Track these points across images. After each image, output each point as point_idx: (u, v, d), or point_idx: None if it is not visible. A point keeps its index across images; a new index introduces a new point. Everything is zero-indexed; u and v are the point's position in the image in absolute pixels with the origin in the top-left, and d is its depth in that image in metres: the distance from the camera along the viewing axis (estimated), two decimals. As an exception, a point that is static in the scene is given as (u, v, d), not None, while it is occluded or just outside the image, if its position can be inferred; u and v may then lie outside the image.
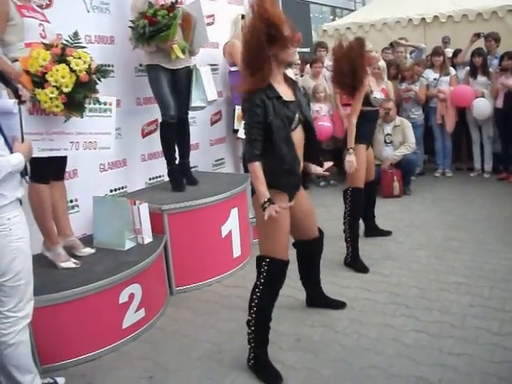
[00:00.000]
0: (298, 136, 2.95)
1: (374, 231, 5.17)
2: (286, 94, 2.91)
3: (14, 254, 2.45)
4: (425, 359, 3.02)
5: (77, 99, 3.16)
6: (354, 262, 4.45)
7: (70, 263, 3.54)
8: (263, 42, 2.69)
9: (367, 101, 4.39)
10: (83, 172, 4.24)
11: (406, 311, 3.62)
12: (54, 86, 3.04)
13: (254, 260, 4.70)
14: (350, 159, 4.23)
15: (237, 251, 4.57)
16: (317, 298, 3.76)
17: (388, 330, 3.38)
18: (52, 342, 3.17)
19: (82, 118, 3.31)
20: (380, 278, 4.19)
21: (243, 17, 5.53)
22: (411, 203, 6.29)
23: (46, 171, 3.43)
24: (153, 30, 4.10)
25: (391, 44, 8.51)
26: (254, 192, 2.95)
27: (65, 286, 3.22)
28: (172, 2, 4.25)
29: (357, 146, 4.32)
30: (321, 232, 3.50)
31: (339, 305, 3.75)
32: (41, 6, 3.78)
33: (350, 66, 4.08)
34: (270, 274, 2.97)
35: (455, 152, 7.85)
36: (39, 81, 3.05)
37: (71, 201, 4.10)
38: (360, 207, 4.55)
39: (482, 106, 7.02)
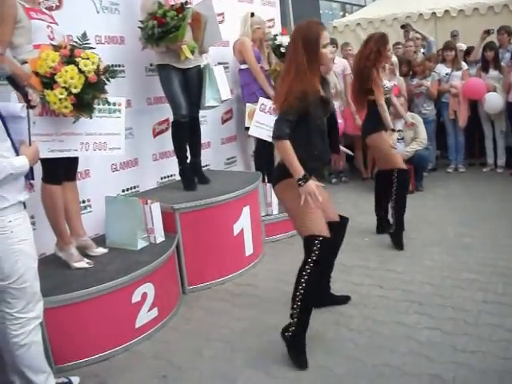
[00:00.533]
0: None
1: (386, 228, 5.15)
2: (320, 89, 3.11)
3: (16, 256, 2.46)
4: (438, 357, 3.01)
5: (86, 100, 3.18)
6: (395, 236, 4.75)
7: (83, 263, 3.56)
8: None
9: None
10: (95, 172, 4.26)
11: (419, 308, 3.60)
12: (63, 87, 3.06)
13: (266, 258, 4.77)
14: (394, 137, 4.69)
15: (249, 250, 4.57)
16: (325, 297, 3.75)
17: (401, 327, 3.37)
18: (65, 342, 3.18)
19: (90, 118, 3.32)
20: (393, 275, 4.18)
21: (252, 15, 5.53)
22: (424, 199, 6.26)
23: (58, 172, 3.44)
24: (161, 31, 4.11)
25: (403, 26, 8.47)
26: (278, 180, 3.12)
27: (78, 285, 3.24)
28: (182, 3, 4.25)
29: (379, 134, 4.70)
30: (345, 218, 3.56)
31: (344, 300, 3.79)
32: (50, 8, 3.81)
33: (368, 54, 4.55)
34: (321, 251, 3.04)
35: (468, 147, 7.79)
36: (48, 82, 3.07)
37: (83, 201, 4.12)
38: (407, 185, 4.99)
39: (494, 100, 6.96)
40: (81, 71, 3.10)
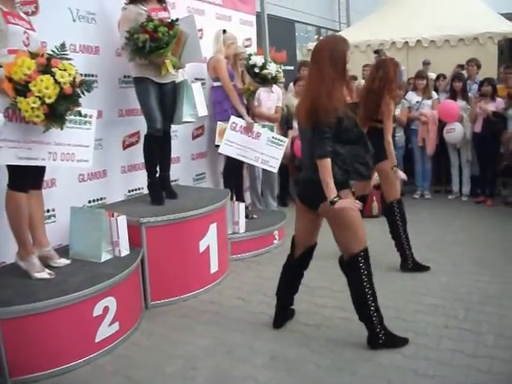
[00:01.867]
0: None
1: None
2: None
3: None
4: (399, 380, 3.02)
5: (58, 111, 3.15)
6: (417, 266, 4.76)
7: (45, 274, 3.48)
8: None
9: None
10: (61, 182, 4.19)
11: (382, 332, 3.62)
12: (36, 96, 3.02)
13: (231, 276, 4.75)
14: (401, 175, 4.73)
15: (214, 267, 4.54)
16: (288, 316, 3.81)
17: (363, 350, 3.37)
18: (24, 354, 3.10)
19: (61, 129, 3.28)
20: (357, 298, 4.18)
21: (224, 31, 5.56)
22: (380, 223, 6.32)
23: (26, 180, 3.38)
24: (154, 46, 4.11)
25: (376, 51, 8.62)
26: (320, 200, 3.18)
27: (38, 297, 3.16)
28: (172, 20, 4.28)
29: (385, 163, 4.65)
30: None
31: (291, 312, 3.86)
32: (26, 13, 3.75)
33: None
34: (367, 261, 3.29)
35: (434, 174, 7.94)
36: (21, 89, 3.03)
37: (48, 210, 4.03)
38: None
39: (445, 136, 7.26)
40: (56, 82, 3.07)
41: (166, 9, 4.48)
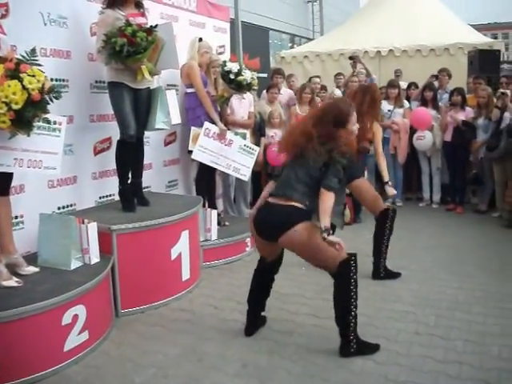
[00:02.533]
0: None
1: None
2: None
3: None
4: (370, 387, 3.03)
5: (25, 117, 3.10)
6: (389, 275, 4.81)
7: (12, 282, 3.41)
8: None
9: None
10: (30, 188, 4.11)
11: (354, 338, 3.63)
12: (3, 102, 2.97)
13: (202, 283, 4.72)
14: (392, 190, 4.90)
15: (186, 274, 4.51)
16: (260, 323, 3.81)
17: (335, 357, 3.38)
18: (-11, 364, 3.03)
19: (28, 136, 3.22)
20: (328, 305, 4.14)
21: (201, 39, 5.55)
22: (362, 231, 6.36)
23: None
24: (132, 50, 4.08)
25: (351, 57, 8.69)
26: (298, 221, 3.27)
27: (5, 305, 3.09)
28: (151, 26, 4.27)
29: (362, 180, 4.87)
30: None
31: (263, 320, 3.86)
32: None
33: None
34: (356, 266, 3.34)
35: (405, 182, 8.03)
36: None
37: (16, 217, 3.95)
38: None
39: (415, 142, 7.41)
40: (24, 88, 3.02)
41: (143, 14, 4.45)
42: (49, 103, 3.26)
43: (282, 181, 3.48)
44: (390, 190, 4.82)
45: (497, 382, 3.07)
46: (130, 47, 4.06)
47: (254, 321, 3.74)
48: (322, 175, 3.31)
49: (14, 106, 2.99)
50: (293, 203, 3.31)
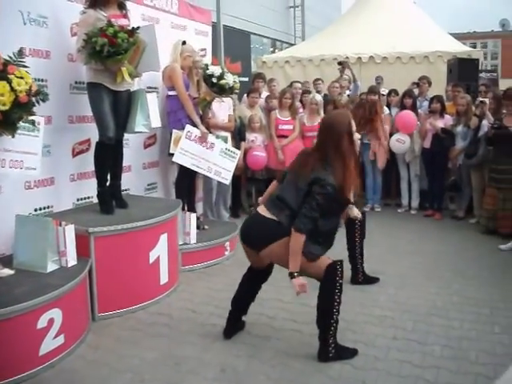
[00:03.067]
0: None
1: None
2: None
3: None
4: (348, 392, 3.03)
5: (12, 119, 3.09)
6: (367, 280, 4.82)
7: (-14, 284, 3.36)
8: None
9: None
10: (6, 188, 4.04)
11: (332, 343, 3.63)
12: None
13: (181, 287, 4.69)
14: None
15: (164, 278, 4.47)
16: (239, 326, 3.81)
17: (313, 362, 3.37)
18: (-40, 369, 2.97)
19: (13, 137, 3.21)
20: (306, 310, 4.18)
21: (184, 43, 5.53)
22: (339, 236, 6.33)
23: None
24: (112, 51, 4.04)
25: (340, 62, 8.74)
26: (279, 236, 3.25)
27: (-21, 308, 3.04)
28: (133, 28, 4.23)
29: None
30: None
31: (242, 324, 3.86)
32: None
33: None
34: (342, 272, 3.34)
35: (384, 188, 8.08)
36: None
37: (-10, 218, 3.90)
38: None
39: (394, 144, 7.44)
40: (12, 89, 3.00)
41: (126, 16, 4.41)
42: (35, 105, 3.26)
43: (275, 195, 3.42)
44: (355, 211, 4.75)
45: (473, 386, 3.10)
46: (110, 47, 4.02)
47: (235, 324, 3.73)
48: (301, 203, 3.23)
49: (2, 108, 3.01)
50: (276, 218, 3.28)
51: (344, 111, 3.75)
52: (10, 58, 3.21)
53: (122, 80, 4.31)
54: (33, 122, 3.38)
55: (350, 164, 3.26)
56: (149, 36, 4.43)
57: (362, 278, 4.80)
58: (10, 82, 3.03)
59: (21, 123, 3.30)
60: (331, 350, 3.34)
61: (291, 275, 3.16)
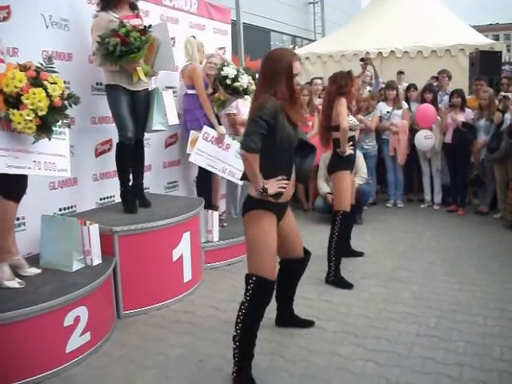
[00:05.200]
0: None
1: (347, 252, 5.30)
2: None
3: None
4: (371, 389, 3.04)
5: (49, 123, 3.21)
6: (338, 280, 4.66)
7: (15, 283, 3.43)
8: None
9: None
10: (32, 189, 4.08)
11: (355, 340, 3.63)
12: (30, 109, 3.06)
13: (204, 285, 4.73)
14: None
15: (187, 276, 4.51)
16: (288, 317, 3.84)
17: (336, 358, 3.39)
18: (-9, 366, 3.03)
19: (49, 140, 3.33)
20: (330, 306, 4.21)
21: (194, 37, 5.57)
22: (363, 232, 6.38)
23: (21, 189, 3.40)
24: (125, 50, 4.08)
25: (362, 59, 8.71)
26: (246, 210, 3.12)
27: (7, 306, 3.10)
28: (145, 26, 4.27)
29: (342, 173, 4.69)
30: (307, 252, 3.64)
31: (308, 324, 3.85)
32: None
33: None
34: (256, 291, 3.06)
35: (406, 183, 8.04)
36: (13, 101, 3.06)
37: (18, 218, 3.95)
38: (348, 230, 5.12)
39: (421, 141, 7.35)
40: (48, 95, 3.10)
41: (138, 16, 4.45)
42: (67, 108, 3.36)
43: None
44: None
45: (498, 383, 3.07)
46: (123, 47, 4.06)
47: (283, 312, 3.82)
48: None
49: (40, 113, 3.10)
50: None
51: (290, 50, 3.29)
52: (41, 64, 3.29)
53: (138, 79, 4.35)
54: (69, 125, 3.48)
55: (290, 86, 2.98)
56: (162, 34, 4.47)
57: (332, 278, 4.68)
58: (45, 88, 3.12)
59: (49, 139, 3.39)
60: (233, 371, 3.12)
61: (263, 190, 2.93)
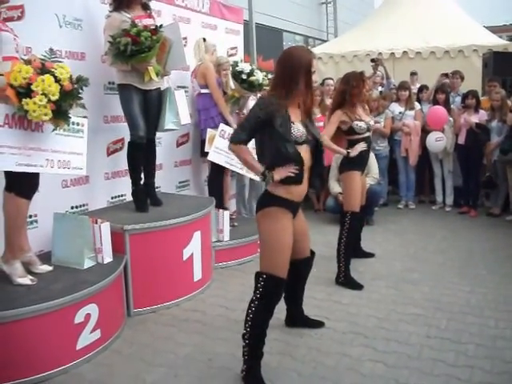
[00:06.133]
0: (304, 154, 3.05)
1: (358, 253, 5.32)
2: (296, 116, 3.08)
3: None
4: (380, 390, 3.03)
5: (64, 107, 3.23)
6: (348, 281, 4.65)
7: (27, 279, 3.46)
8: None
9: (353, 130, 4.67)
10: (44, 187, 4.12)
11: (364, 341, 3.63)
12: (42, 94, 3.09)
13: (214, 284, 4.74)
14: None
15: (197, 275, 4.53)
16: (298, 318, 3.84)
17: (345, 359, 3.38)
18: (1, 361, 3.05)
19: (68, 126, 3.38)
20: (339, 307, 4.20)
21: (204, 40, 5.59)
22: (374, 233, 6.36)
23: (33, 187, 3.44)
24: (135, 49, 4.11)
25: (373, 60, 8.68)
26: (259, 208, 3.15)
27: (19, 303, 3.13)
28: (156, 26, 4.29)
29: (352, 173, 4.68)
30: (312, 252, 3.64)
31: (317, 324, 3.85)
32: (11, 18, 3.76)
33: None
34: (265, 289, 3.07)
35: (418, 185, 8.01)
36: (25, 92, 3.09)
37: (30, 216, 3.99)
38: (357, 230, 5.10)
39: (432, 143, 7.30)
40: (56, 80, 3.14)
41: (150, 15, 4.48)
42: (79, 92, 3.38)
43: None
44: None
45: (508, 386, 3.06)
46: (133, 46, 4.09)
47: (293, 313, 3.83)
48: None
49: (52, 98, 3.12)
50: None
51: (307, 48, 3.38)
52: (44, 56, 3.32)
53: (149, 79, 4.37)
54: (72, 122, 3.49)
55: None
56: (174, 34, 4.49)
57: (342, 279, 4.67)
58: (53, 74, 3.15)
59: (68, 125, 3.43)
60: (243, 370, 3.14)
61: (263, 175, 2.99)
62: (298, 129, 3.01)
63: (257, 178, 5.91)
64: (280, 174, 2.96)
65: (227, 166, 5.55)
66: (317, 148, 3.17)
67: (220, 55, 5.94)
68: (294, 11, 18.50)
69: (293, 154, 2.96)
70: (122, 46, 4.07)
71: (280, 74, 3.05)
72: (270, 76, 6.30)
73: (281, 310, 3.79)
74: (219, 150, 5.43)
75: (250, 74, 5.98)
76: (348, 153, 4.66)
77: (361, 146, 4.63)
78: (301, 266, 3.56)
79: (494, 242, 5.98)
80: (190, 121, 5.08)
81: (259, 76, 6.06)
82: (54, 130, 3.31)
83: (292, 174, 2.96)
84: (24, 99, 3.08)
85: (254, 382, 3.07)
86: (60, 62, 3.37)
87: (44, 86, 3.09)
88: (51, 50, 3.39)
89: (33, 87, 3.07)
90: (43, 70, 3.17)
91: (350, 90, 4.59)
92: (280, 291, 3.14)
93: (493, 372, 3.18)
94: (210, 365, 3.35)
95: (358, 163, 4.71)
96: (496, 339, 3.61)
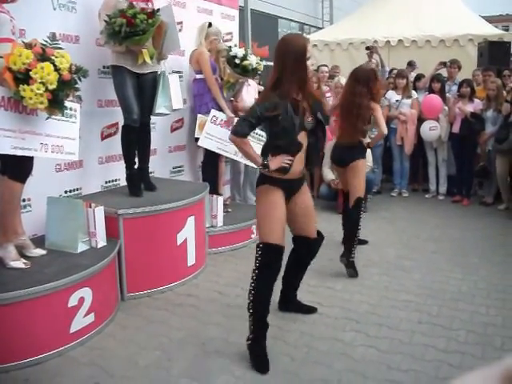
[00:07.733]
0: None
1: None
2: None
3: None
4: (373, 374, 3.05)
5: (60, 97, 3.22)
6: (352, 264, 4.62)
7: (20, 263, 3.46)
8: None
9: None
10: (38, 171, 4.11)
11: (356, 326, 3.66)
12: (40, 83, 3.07)
13: (208, 269, 4.76)
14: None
15: (191, 260, 4.54)
16: (291, 302, 3.88)
17: (338, 344, 3.41)
18: (-5, 344, 3.07)
19: (62, 115, 3.36)
20: (332, 293, 4.23)
21: (210, 25, 5.55)
22: (367, 221, 6.35)
23: (26, 170, 3.44)
24: (129, 31, 4.08)
25: (368, 47, 8.66)
26: (257, 185, 3.29)
27: (12, 286, 3.14)
28: (153, 9, 4.25)
29: (363, 160, 4.79)
30: (321, 236, 3.65)
31: (311, 310, 3.89)
32: (5, 0, 3.71)
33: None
34: (263, 257, 3.16)
35: (412, 173, 8.03)
36: (23, 77, 3.08)
37: (24, 200, 3.97)
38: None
39: (427, 132, 7.32)
40: (56, 69, 3.12)
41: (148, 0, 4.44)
42: (77, 82, 3.37)
43: None
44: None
45: (498, 372, 3.09)
46: (127, 28, 4.06)
47: (287, 296, 3.87)
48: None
49: (50, 87, 3.11)
50: None
51: (302, 35, 3.57)
52: (46, 41, 3.30)
53: (142, 61, 4.35)
54: (64, 105, 3.46)
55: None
56: (168, 16, 4.46)
57: (352, 258, 4.65)
58: (52, 62, 3.14)
59: (62, 115, 3.42)
60: (249, 338, 3.25)
61: (262, 166, 3.15)
62: (299, 120, 3.13)
63: (252, 165, 5.92)
64: (275, 163, 3.11)
65: (219, 151, 5.54)
66: (318, 126, 3.29)
67: (221, 43, 5.91)
68: (289, -2, 18.43)
69: (294, 145, 3.14)
70: (117, 26, 4.05)
71: (277, 62, 3.12)
72: (264, 62, 6.30)
73: (274, 295, 3.80)
74: (210, 135, 5.42)
75: (244, 58, 5.96)
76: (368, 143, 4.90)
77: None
78: (308, 246, 3.60)
79: (486, 231, 6.02)
80: (182, 106, 5.06)
81: (253, 60, 6.03)
82: (47, 118, 3.31)
83: (286, 165, 3.10)
84: (21, 85, 3.06)
85: (258, 351, 3.18)
86: (61, 48, 3.35)
87: (43, 74, 3.07)
88: (53, 35, 3.39)
89: (31, 74, 3.06)
90: (43, 56, 3.15)
91: (371, 91, 4.65)
92: (278, 257, 3.20)
93: (483, 358, 3.21)
94: (203, 349, 3.37)
95: (365, 152, 4.91)
96: (487, 326, 3.64)
